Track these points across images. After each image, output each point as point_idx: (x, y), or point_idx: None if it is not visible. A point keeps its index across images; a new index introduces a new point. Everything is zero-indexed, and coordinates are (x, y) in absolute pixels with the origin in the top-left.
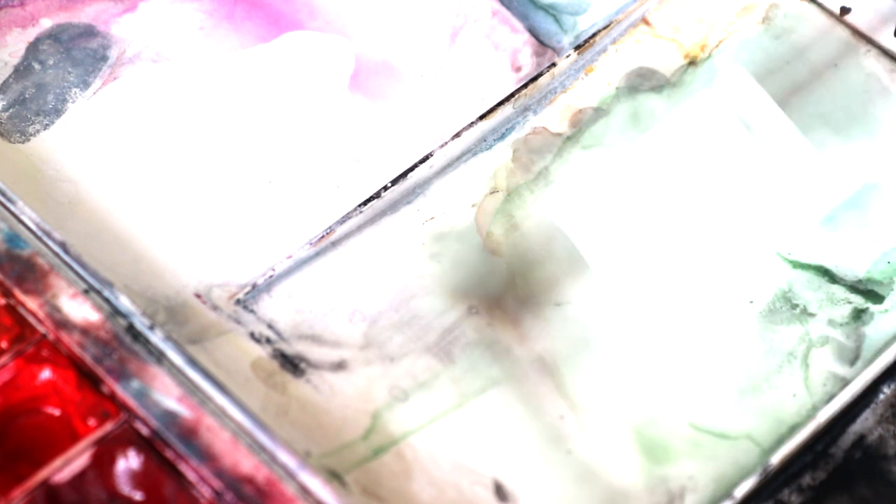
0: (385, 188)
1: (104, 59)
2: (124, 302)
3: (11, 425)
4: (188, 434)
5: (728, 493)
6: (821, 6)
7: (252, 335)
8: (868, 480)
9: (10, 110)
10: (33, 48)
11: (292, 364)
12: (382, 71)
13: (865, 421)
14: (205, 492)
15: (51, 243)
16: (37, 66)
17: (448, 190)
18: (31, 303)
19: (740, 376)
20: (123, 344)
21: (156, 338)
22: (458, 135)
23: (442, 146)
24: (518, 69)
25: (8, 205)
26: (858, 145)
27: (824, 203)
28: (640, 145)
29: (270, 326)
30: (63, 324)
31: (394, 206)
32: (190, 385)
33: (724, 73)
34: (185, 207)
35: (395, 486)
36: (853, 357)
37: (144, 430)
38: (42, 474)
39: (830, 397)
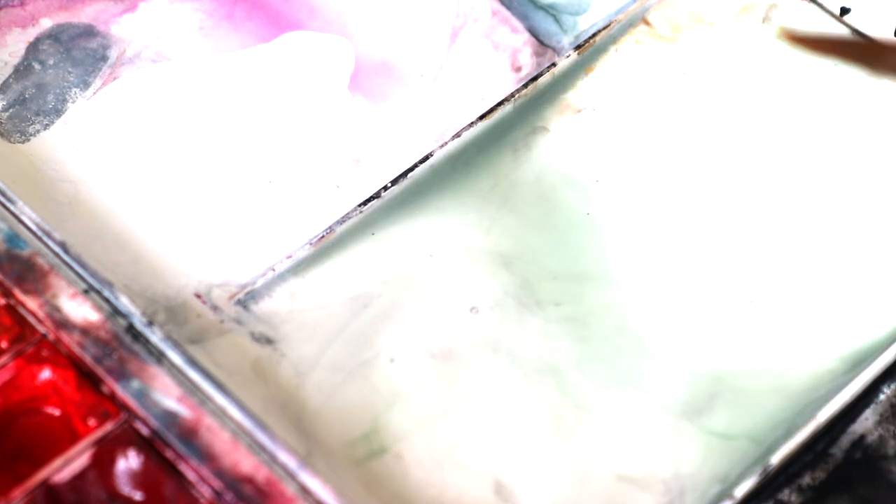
0: (385, 188)
1: (104, 59)
2: (124, 302)
3: (11, 425)
4: (188, 434)
5: (728, 493)
6: (821, 6)
7: (252, 335)
8: (868, 480)
9: (10, 110)
10: (33, 48)
11: (292, 364)
12: (382, 71)
13: (865, 421)
14: (205, 492)
15: (51, 243)
16: (37, 66)
17: (448, 190)
18: (31, 303)
19: (740, 375)
20: (123, 344)
21: (156, 338)
22: (458, 135)
23: (442, 146)
24: (518, 69)
25: (8, 205)
26: (858, 146)
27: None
28: (640, 146)
29: (270, 326)
30: (63, 324)
31: (394, 206)
32: (190, 385)
33: (723, 72)
34: (184, 207)
35: (394, 486)
36: (854, 357)
37: (144, 430)
38: (42, 474)
39: (830, 397)
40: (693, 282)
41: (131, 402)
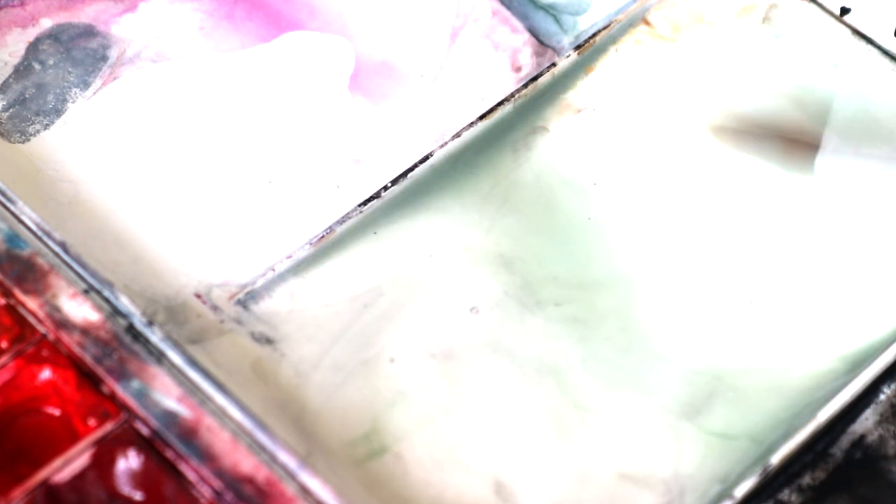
0: (385, 188)
1: (104, 59)
2: (124, 302)
3: (11, 425)
4: (188, 434)
5: (728, 493)
6: (821, 6)
7: (252, 335)
8: (868, 480)
9: (10, 110)
10: (33, 48)
11: (292, 364)
12: (382, 71)
13: (865, 421)
14: (205, 492)
15: (51, 243)
16: (37, 66)
17: (448, 190)
18: (31, 303)
19: (740, 375)
20: (123, 344)
21: (156, 338)
22: (458, 135)
23: (442, 146)
24: (518, 69)
25: (8, 205)
26: (858, 146)
27: (821, 205)
28: (640, 146)
29: (270, 326)
30: (63, 324)
31: (394, 206)
32: (190, 385)
33: (723, 72)
34: (184, 207)
35: (394, 486)
36: (854, 357)
37: (144, 430)
38: (42, 474)
39: (830, 397)
40: (693, 282)
41: (131, 402)
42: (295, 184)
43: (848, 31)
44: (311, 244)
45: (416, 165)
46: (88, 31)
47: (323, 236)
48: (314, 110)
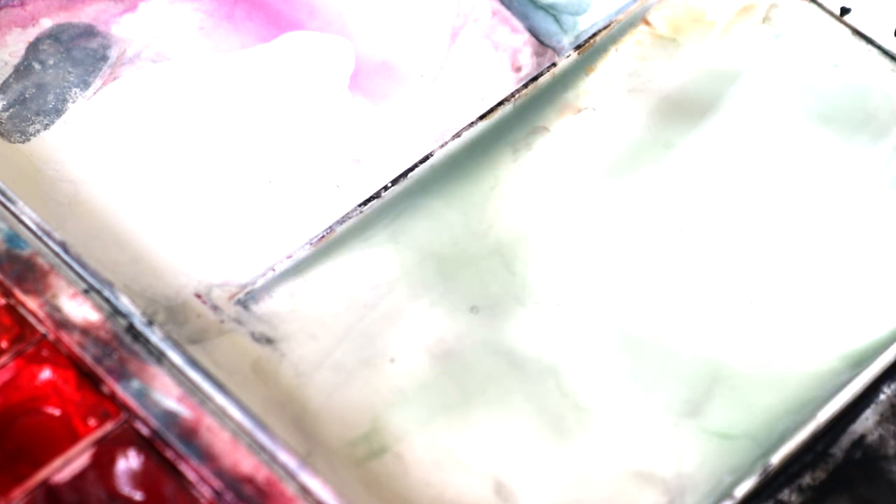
0: (385, 188)
1: (104, 59)
2: (124, 302)
3: (11, 425)
4: (188, 434)
5: (728, 493)
6: (821, 6)
7: (252, 335)
8: (868, 480)
9: (10, 110)
10: (33, 48)
11: (292, 364)
12: (382, 71)
13: (865, 421)
14: (205, 492)
15: (51, 243)
16: (37, 66)
17: (448, 190)
18: (31, 303)
19: (740, 375)
20: (123, 344)
21: (156, 338)
22: (458, 135)
23: (442, 146)
24: (518, 69)
25: (8, 205)
26: (858, 146)
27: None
28: (640, 146)
29: (271, 326)
30: (63, 324)
31: (394, 206)
32: (190, 385)
33: (723, 72)
34: (184, 207)
35: (394, 486)
36: (854, 357)
37: (144, 430)
38: (42, 474)
39: (830, 397)
40: (694, 281)
41: (131, 402)
42: (295, 184)
43: (848, 31)
44: (311, 244)
45: (416, 165)
46: (88, 31)
47: (323, 236)
48: (314, 110)
